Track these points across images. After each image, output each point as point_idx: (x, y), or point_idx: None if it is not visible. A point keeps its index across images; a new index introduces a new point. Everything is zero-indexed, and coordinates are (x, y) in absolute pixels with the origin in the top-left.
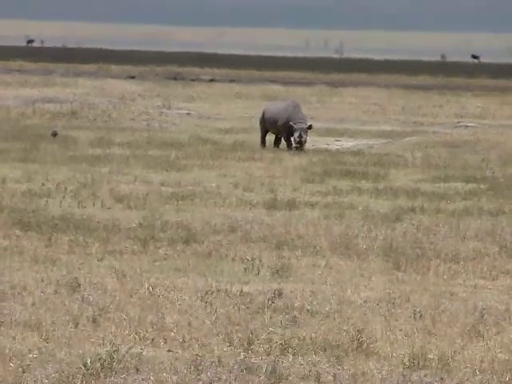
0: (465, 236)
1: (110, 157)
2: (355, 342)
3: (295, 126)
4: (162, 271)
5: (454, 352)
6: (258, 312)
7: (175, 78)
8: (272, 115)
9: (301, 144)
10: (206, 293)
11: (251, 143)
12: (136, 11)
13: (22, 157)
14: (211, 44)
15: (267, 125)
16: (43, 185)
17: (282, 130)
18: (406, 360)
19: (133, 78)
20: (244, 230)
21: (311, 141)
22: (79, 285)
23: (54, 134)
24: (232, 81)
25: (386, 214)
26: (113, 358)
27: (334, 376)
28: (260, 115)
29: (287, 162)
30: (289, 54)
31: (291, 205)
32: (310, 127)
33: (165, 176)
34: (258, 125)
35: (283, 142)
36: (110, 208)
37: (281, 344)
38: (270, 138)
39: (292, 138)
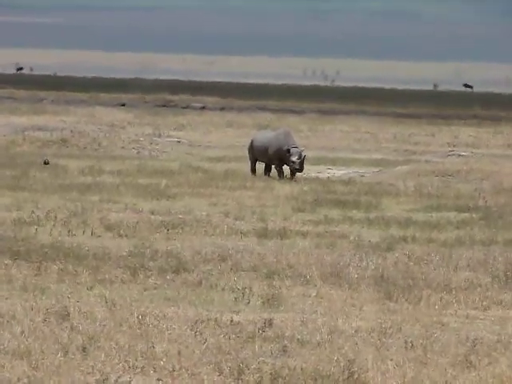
0: (457, 266)
1: (100, 185)
2: (346, 372)
3: (292, 150)
4: (151, 300)
5: (446, 382)
6: (249, 341)
7: (165, 106)
8: (261, 144)
9: (301, 165)
10: (196, 322)
11: (242, 172)
12: (125, 39)
13: (12, 185)
14: (202, 72)
15: (256, 153)
16: (33, 213)
17: (273, 159)
18: None
19: (123, 105)
20: (234, 259)
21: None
22: (68, 313)
23: (46, 162)
24: (223, 109)
25: (378, 244)
26: None
27: None
28: (248, 144)
29: (278, 190)
30: (279, 82)
31: (282, 234)
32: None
33: (155, 204)
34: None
35: (274, 171)
36: (99, 236)
37: (271, 374)
38: (261, 166)
39: (291, 161)
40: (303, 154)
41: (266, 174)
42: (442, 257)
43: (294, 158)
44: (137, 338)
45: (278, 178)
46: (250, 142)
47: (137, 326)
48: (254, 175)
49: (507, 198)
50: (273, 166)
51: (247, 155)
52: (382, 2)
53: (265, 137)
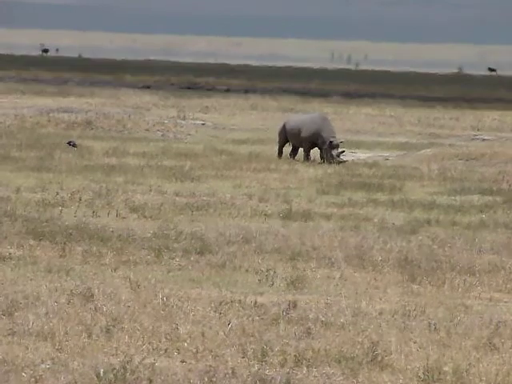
0: (480, 249)
1: (124, 167)
2: (370, 355)
3: (334, 143)
4: (176, 282)
5: (469, 365)
6: (272, 323)
7: (190, 88)
8: (296, 126)
9: (342, 162)
10: (220, 304)
11: (266, 154)
12: (151, 21)
13: (37, 166)
14: (227, 54)
15: (289, 135)
16: (57, 194)
17: (305, 142)
18: (420, 373)
19: (148, 87)
20: (258, 241)
21: None
22: (93, 295)
23: (73, 145)
24: (247, 91)
25: (402, 227)
26: (126, 368)
27: None
28: (280, 126)
29: (302, 173)
30: (304, 65)
31: (306, 216)
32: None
33: (179, 186)
34: (273, 136)
35: (299, 154)
36: (124, 218)
37: (295, 356)
38: (286, 149)
39: (330, 154)
40: (341, 146)
41: (291, 156)
42: (465, 240)
43: (335, 152)
44: (161, 320)
45: (304, 160)
46: (282, 124)
47: (161, 307)
48: (279, 158)
49: None
50: (300, 149)
51: (273, 137)
52: None
53: (299, 119)
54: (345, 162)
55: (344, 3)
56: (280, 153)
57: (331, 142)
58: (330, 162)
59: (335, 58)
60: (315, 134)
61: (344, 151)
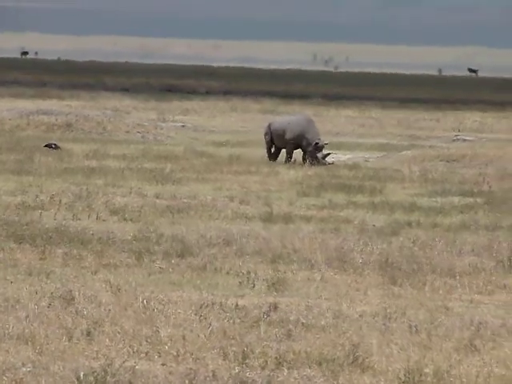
0: (461, 251)
1: (105, 169)
2: (351, 357)
3: (320, 144)
4: (156, 285)
5: (450, 367)
6: (253, 326)
7: (170, 91)
8: (280, 128)
9: (327, 164)
10: (201, 306)
11: (247, 156)
12: (130, 24)
13: (17, 169)
14: (207, 57)
15: (273, 137)
16: (37, 197)
17: (289, 143)
18: (401, 375)
19: (127, 90)
20: (239, 244)
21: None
22: (73, 298)
23: (52, 146)
24: (227, 94)
25: (382, 229)
26: (106, 371)
27: None
28: (265, 128)
29: (283, 175)
30: (284, 67)
31: (287, 218)
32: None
33: (160, 189)
34: (254, 138)
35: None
36: (104, 220)
37: (276, 358)
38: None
39: (315, 155)
40: (326, 147)
41: (272, 158)
42: (446, 242)
43: (320, 155)
44: (141, 323)
45: (285, 161)
46: (266, 126)
47: (141, 310)
48: (272, 160)
49: (511, 183)
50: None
51: (253, 139)
52: None
53: (284, 121)
54: (331, 163)
55: (327, 7)
56: (270, 155)
57: (317, 143)
58: (315, 164)
59: (317, 60)
60: (300, 135)
61: (330, 153)
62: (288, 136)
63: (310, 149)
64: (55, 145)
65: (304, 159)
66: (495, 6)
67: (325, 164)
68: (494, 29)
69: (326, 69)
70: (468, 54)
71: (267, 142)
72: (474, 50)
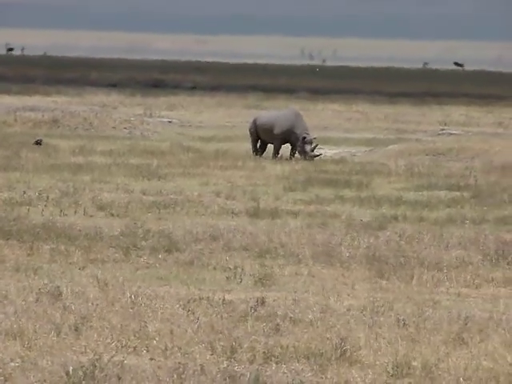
0: (448, 244)
1: (91, 165)
2: (338, 351)
3: (307, 138)
4: (144, 280)
5: (438, 360)
6: (241, 320)
7: (156, 86)
8: (267, 122)
9: (315, 156)
10: (189, 301)
11: (233, 151)
12: (116, 19)
13: (4, 165)
14: (192, 52)
15: (259, 132)
16: (25, 193)
17: (277, 138)
18: (389, 368)
19: (114, 86)
20: (226, 239)
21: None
22: (61, 293)
23: (38, 143)
24: (214, 89)
25: (369, 223)
26: (95, 366)
27: None
28: (250, 123)
29: (269, 170)
30: (271, 62)
31: (274, 213)
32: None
33: (146, 184)
34: (240, 133)
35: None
36: (91, 216)
37: (264, 352)
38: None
39: (304, 150)
40: (314, 142)
41: (258, 153)
42: (433, 235)
43: (308, 148)
44: (129, 318)
45: (272, 157)
46: (252, 121)
47: (129, 305)
48: (257, 156)
49: (497, 177)
50: (269, 146)
51: (239, 134)
52: None
53: (271, 115)
54: (319, 155)
55: (312, 1)
56: (255, 150)
57: (304, 137)
58: (304, 158)
59: (305, 54)
60: (288, 130)
61: (317, 145)
62: (276, 131)
63: (298, 143)
64: (41, 140)
65: (291, 154)
66: None
67: (314, 156)
68: (469, 21)
69: (311, 63)
70: (451, 48)
71: (253, 137)
72: (456, 44)
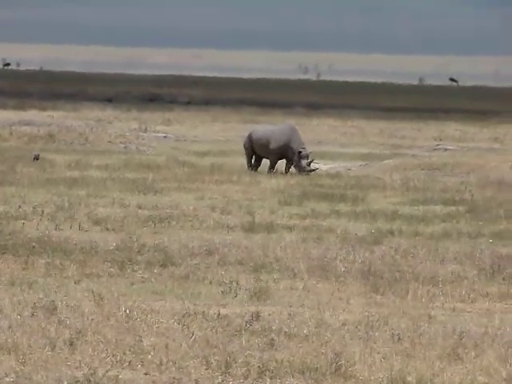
0: (443, 259)
1: (87, 179)
2: (333, 365)
3: (303, 153)
4: (139, 294)
5: (433, 375)
6: (236, 335)
7: (152, 101)
8: (263, 137)
9: (311, 171)
10: (184, 315)
11: (228, 166)
12: (112, 34)
13: None
14: (188, 66)
15: (255, 147)
16: (20, 207)
17: (273, 153)
18: (384, 383)
19: (109, 100)
20: (221, 253)
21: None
22: (56, 308)
23: (36, 158)
24: (209, 103)
25: (365, 237)
26: (90, 381)
27: None
28: (245, 138)
29: (265, 184)
30: (266, 76)
31: (269, 228)
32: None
33: (142, 199)
34: (236, 148)
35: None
36: (87, 230)
37: (258, 367)
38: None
39: (301, 165)
40: (310, 156)
41: (254, 167)
42: (428, 250)
43: (304, 163)
44: (124, 332)
45: (268, 171)
46: (247, 135)
47: (124, 319)
48: (252, 170)
49: (493, 192)
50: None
51: (235, 149)
52: None
53: (267, 130)
54: (315, 170)
55: (308, 16)
56: (250, 165)
57: (300, 152)
58: (301, 173)
59: (302, 69)
60: (285, 145)
61: (313, 160)
62: (272, 146)
63: (294, 158)
64: (38, 155)
65: (287, 168)
66: (475, 14)
67: (310, 171)
68: (474, 37)
69: (306, 77)
70: (447, 63)
71: (247, 152)
72: (452, 59)
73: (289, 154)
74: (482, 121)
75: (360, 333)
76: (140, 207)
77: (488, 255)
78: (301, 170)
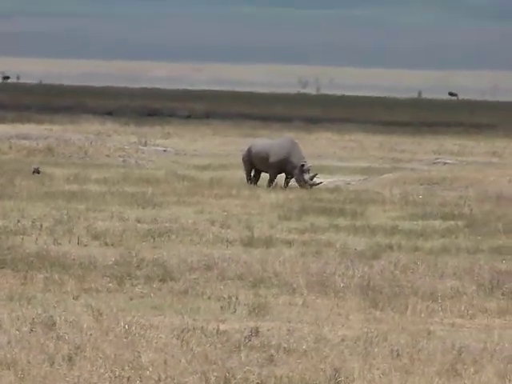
0: (442, 274)
1: (86, 193)
2: (332, 381)
3: (306, 166)
4: (138, 309)
5: None
6: (235, 350)
7: (151, 115)
8: (262, 151)
9: (315, 185)
10: (182, 331)
11: (228, 180)
12: (112, 47)
13: None
14: (188, 80)
15: (254, 161)
16: (19, 221)
17: (273, 167)
18: None
19: (109, 114)
20: (221, 268)
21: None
22: (55, 323)
23: (36, 171)
24: (208, 117)
25: (364, 252)
26: None
27: None
28: (244, 151)
29: (264, 199)
30: (265, 91)
31: (268, 242)
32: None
33: (141, 213)
34: (235, 161)
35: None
36: (86, 245)
37: (258, 383)
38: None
39: (303, 178)
40: (310, 170)
41: (253, 181)
42: (427, 265)
43: (307, 177)
44: (123, 348)
45: (267, 185)
46: (246, 149)
47: (123, 335)
48: (251, 184)
49: (492, 206)
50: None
51: (234, 163)
52: (370, 11)
53: (266, 144)
54: (319, 184)
55: (308, 30)
56: (249, 179)
57: (302, 165)
58: (303, 187)
59: (302, 82)
60: (285, 159)
61: (317, 174)
62: (272, 159)
63: (296, 172)
64: (38, 169)
65: (286, 183)
66: (474, 29)
67: (314, 185)
68: (474, 51)
69: (306, 91)
70: (446, 77)
71: (246, 166)
72: (451, 73)
73: (288, 168)
74: (481, 135)
75: (359, 348)
76: (139, 221)
77: (487, 270)
78: (303, 183)
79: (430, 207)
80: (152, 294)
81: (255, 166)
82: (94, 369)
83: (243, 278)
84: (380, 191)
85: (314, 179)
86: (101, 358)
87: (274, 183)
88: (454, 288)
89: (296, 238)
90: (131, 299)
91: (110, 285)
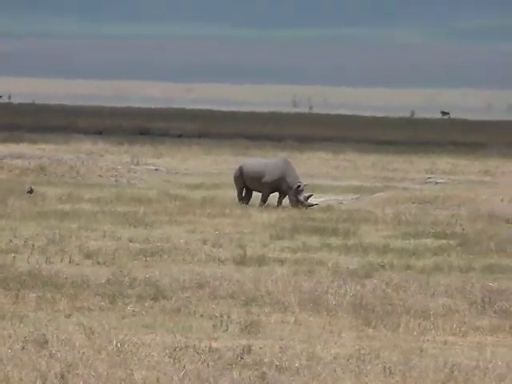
0: (434, 292)
1: (78, 213)
2: None
3: (302, 186)
4: (130, 328)
5: None
6: (227, 368)
7: (142, 134)
8: (255, 170)
9: (311, 206)
10: (175, 349)
11: (220, 199)
12: (103, 67)
13: None
14: (179, 100)
15: (246, 180)
16: (11, 241)
17: (267, 187)
18: None
19: (100, 133)
20: (213, 287)
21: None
22: (47, 341)
23: (30, 191)
24: (200, 136)
25: (356, 271)
26: None
27: None
28: (236, 170)
29: (256, 218)
30: (258, 110)
31: (260, 261)
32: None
33: (133, 232)
34: (227, 180)
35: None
36: (78, 264)
37: None
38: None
39: (299, 199)
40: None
41: (244, 201)
42: (419, 283)
43: (302, 197)
44: (115, 366)
45: (260, 204)
46: (237, 168)
47: (115, 353)
48: (243, 203)
49: (484, 225)
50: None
51: (226, 182)
52: (364, 30)
53: (260, 163)
54: (315, 205)
55: (301, 50)
56: (241, 198)
57: (298, 186)
58: (298, 207)
59: (297, 102)
60: (280, 178)
61: (312, 195)
62: (266, 179)
63: (290, 192)
64: (31, 189)
65: (279, 202)
66: (465, 47)
67: (310, 205)
68: (465, 70)
69: (298, 110)
70: (437, 96)
71: (238, 185)
72: (442, 92)
73: (283, 188)
74: (473, 154)
75: (351, 366)
76: (131, 240)
77: (479, 289)
78: (299, 204)
79: (422, 226)
80: (144, 313)
81: (247, 185)
82: None
83: (235, 297)
84: (372, 210)
85: (309, 200)
86: (93, 376)
87: (266, 203)
88: (446, 306)
89: (288, 256)
90: (123, 318)
91: (103, 303)
